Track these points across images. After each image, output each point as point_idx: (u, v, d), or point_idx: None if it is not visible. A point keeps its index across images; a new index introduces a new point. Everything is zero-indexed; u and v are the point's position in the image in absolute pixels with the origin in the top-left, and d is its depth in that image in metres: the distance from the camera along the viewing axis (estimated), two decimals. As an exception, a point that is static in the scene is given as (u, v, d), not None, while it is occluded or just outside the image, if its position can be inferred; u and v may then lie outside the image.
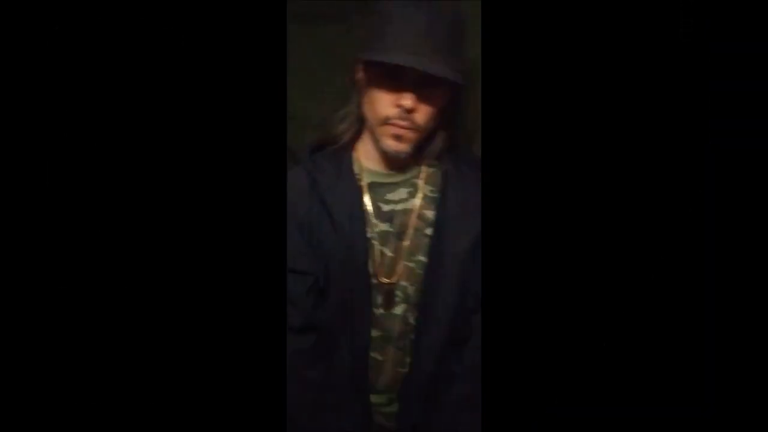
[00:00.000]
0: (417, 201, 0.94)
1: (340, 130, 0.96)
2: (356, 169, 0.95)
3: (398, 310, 0.93)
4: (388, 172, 0.95)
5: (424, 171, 0.95)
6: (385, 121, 0.89)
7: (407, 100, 0.85)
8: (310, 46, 1.23)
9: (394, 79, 0.86)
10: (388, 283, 0.92)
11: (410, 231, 0.93)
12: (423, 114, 0.88)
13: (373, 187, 0.95)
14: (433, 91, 0.87)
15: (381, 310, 0.92)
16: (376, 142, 0.92)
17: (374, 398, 0.94)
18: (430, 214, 0.94)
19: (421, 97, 0.87)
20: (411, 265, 0.93)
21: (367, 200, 0.94)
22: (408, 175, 0.96)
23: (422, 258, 0.92)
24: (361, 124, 0.95)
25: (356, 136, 0.96)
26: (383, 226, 0.93)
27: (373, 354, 0.93)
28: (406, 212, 0.94)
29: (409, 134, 0.89)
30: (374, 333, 0.92)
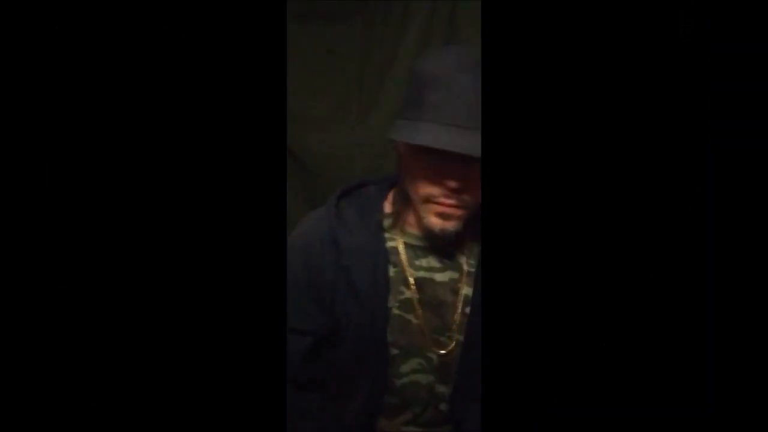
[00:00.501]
0: (453, 274, 0.86)
1: (390, 211, 0.86)
2: (386, 228, 0.86)
3: (443, 276, 0.86)
4: (424, 244, 0.86)
5: (468, 241, 0.86)
6: (429, 200, 0.80)
7: (452, 181, 0.76)
8: (310, 46, 1.23)
9: (438, 156, 0.75)
10: (441, 354, 0.85)
11: (441, 306, 0.86)
12: (473, 192, 0.78)
13: (407, 249, 0.86)
14: (479, 166, 0.75)
15: (403, 379, 0.86)
16: (419, 219, 0.83)
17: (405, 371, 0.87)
18: (465, 289, 0.86)
19: (470, 175, 0.76)
20: (443, 339, 0.86)
21: (394, 268, 0.85)
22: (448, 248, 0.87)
23: (459, 337, 0.85)
24: (404, 199, 0.85)
25: (393, 186, 0.88)
26: (408, 294, 0.85)
27: (408, 316, 0.85)
28: (438, 284, 0.86)
29: (457, 212, 0.80)
30: (410, 295, 0.85)
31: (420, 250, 0.86)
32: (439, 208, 0.79)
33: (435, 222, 0.80)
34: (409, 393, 0.86)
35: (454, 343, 0.84)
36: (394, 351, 0.84)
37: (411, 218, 0.85)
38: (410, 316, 0.85)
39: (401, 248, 0.85)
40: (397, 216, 0.86)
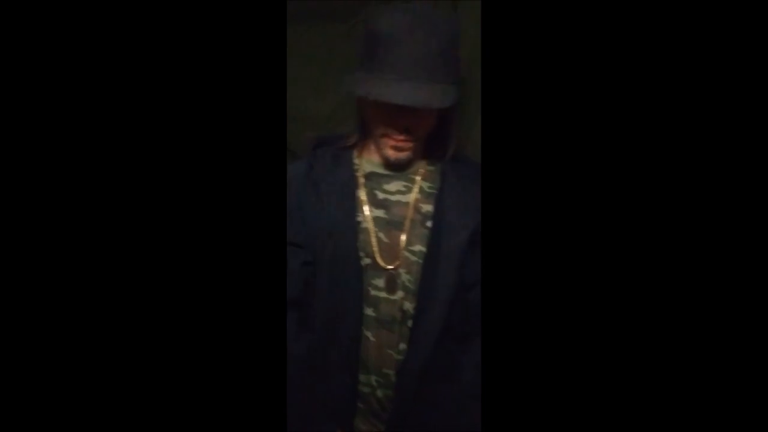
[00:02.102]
0: (413, 195, 0.97)
1: (345, 134, 1.00)
2: (356, 162, 0.99)
3: (396, 296, 0.94)
4: (387, 171, 0.99)
5: (423, 169, 0.99)
6: (384, 134, 0.93)
7: (404, 121, 0.90)
8: (310, 46, 1.23)
9: (391, 105, 0.87)
10: (391, 269, 0.94)
11: (407, 222, 0.95)
12: (421, 128, 0.93)
13: (371, 177, 0.98)
14: (429, 111, 0.91)
15: (382, 293, 0.94)
16: (378, 149, 0.97)
17: (363, 377, 0.95)
18: (428, 207, 0.96)
19: (418, 116, 0.91)
20: (409, 255, 0.94)
21: (361, 188, 0.97)
22: (406, 172, 0.99)
23: (421, 248, 0.94)
24: (363, 131, 0.99)
25: (359, 141, 1.00)
26: (378, 212, 0.96)
27: (366, 333, 0.93)
28: (402, 204, 0.97)
29: (408, 144, 0.94)
30: (367, 312, 0.94)
31: (386, 177, 0.98)
32: (393, 142, 0.93)
33: (391, 153, 0.95)
34: (384, 307, 0.94)
35: (420, 260, 0.94)
36: (366, 260, 0.94)
37: (374, 150, 0.98)
38: (380, 233, 0.96)
39: (364, 175, 0.98)
40: (362, 149, 1.00)
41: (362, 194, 0.97)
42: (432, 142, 0.98)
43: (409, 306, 0.93)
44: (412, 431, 0.93)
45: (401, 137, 0.92)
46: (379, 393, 0.95)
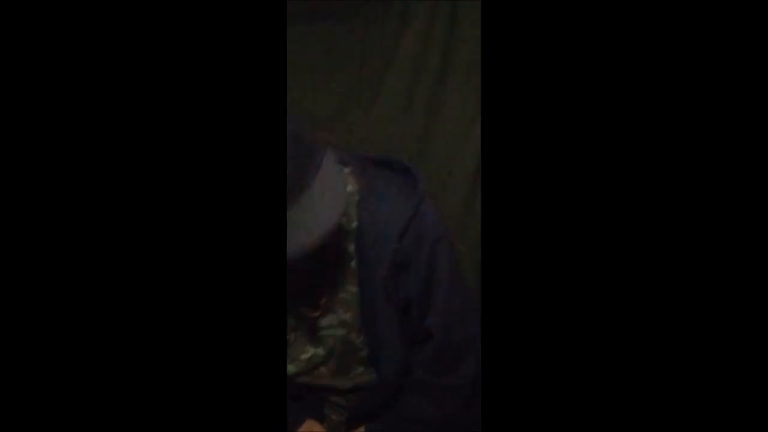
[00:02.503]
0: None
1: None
2: None
3: (335, 332, 0.98)
4: None
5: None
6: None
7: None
8: (310, 46, 1.23)
9: None
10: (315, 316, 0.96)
11: (339, 266, 0.95)
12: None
13: None
14: None
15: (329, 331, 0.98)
16: None
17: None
18: (351, 248, 0.95)
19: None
20: (342, 295, 0.96)
21: None
22: None
23: (352, 288, 0.95)
24: None
25: None
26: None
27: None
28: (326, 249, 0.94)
29: None
30: (313, 351, 0.99)
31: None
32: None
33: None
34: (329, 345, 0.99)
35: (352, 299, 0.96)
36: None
37: None
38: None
39: None
40: None
41: None
42: None
43: (356, 339, 0.97)
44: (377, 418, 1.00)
45: None
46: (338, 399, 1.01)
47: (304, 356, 0.99)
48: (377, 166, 1.00)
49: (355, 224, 0.94)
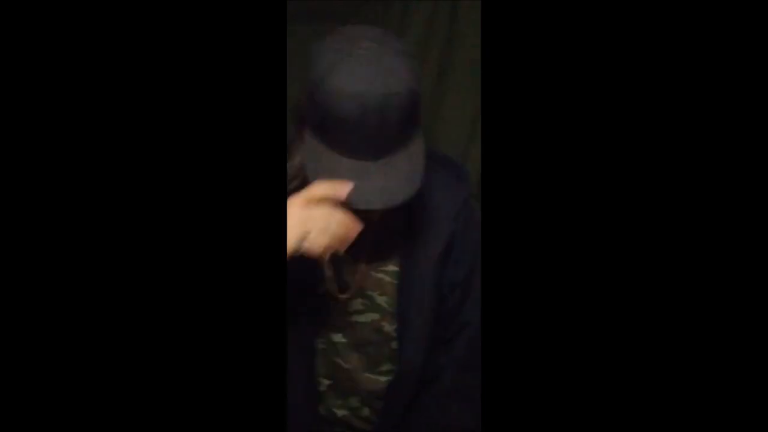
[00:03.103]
0: (372, 315, 0.93)
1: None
2: None
3: (365, 318, 0.92)
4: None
5: (384, 281, 0.93)
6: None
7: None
8: (310, 46, 1.23)
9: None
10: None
11: (367, 345, 0.92)
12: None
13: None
14: None
15: (352, 317, 0.92)
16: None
17: (340, 402, 0.94)
18: (387, 327, 0.92)
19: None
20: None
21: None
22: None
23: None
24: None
25: None
26: None
27: (336, 359, 0.92)
28: (363, 325, 0.92)
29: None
30: (336, 338, 0.92)
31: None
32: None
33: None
34: (353, 333, 0.92)
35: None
36: (325, 383, 0.92)
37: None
38: (338, 357, 0.93)
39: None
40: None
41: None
42: None
43: (389, 327, 0.92)
44: None
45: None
46: (365, 411, 0.94)
47: (321, 346, 0.93)
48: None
49: (393, 307, 0.91)
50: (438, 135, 1.23)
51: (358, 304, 0.92)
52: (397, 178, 0.76)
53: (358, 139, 0.75)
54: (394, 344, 0.91)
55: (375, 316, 0.91)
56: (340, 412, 0.95)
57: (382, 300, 0.91)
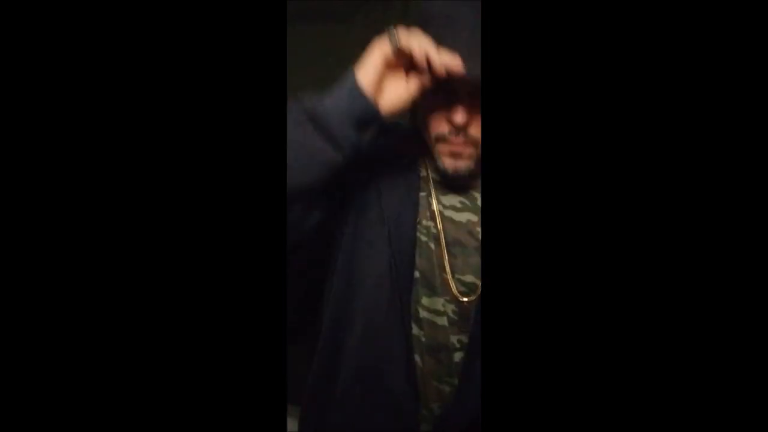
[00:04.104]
0: (468, 215, 0.87)
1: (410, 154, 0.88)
2: (420, 164, 0.89)
3: (443, 321, 0.86)
4: (448, 181, 0.88)
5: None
6: (440, 139, 0.82)
7: (458, 115, 0.78)
8: (310, 46, 1.23)
9: (444, 92, 0.78)
10: (464, 301, 0.85)
11: (458, 246, 0.86)
12: (479, 127, 0.80)
13: (433, 184, 0.87)
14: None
15: (431, 316, 0.86)
16: (434, 160, 0.84)
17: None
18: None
19: (474, 109, 0.79)
20: (457, 284, 0.85)
21: (422, 192, 0.87)
22: (467, 186, 0.88)
23: (474, 280, 0.85)
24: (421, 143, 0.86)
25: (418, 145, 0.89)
26: (428, 224, 0.86)
27: (414, 356, 0.86)
28: (456, 223, 0.86)
29: (468, 150, 0.81)
30: (415, 331, 0.86)
31: (444, 186, 0.87)
32: (449, 148, 0.81)
33: (448, 162, 0.82)
34: (429, 330, 0.86)
35: (476, 294, 0.84)
36: (417, 273, 0.85)
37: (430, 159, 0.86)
38: (433, 245, 0.85)
39: (430, 178, 0.87)
40: (419, 154, 0.88)
41: (421, 200, 0.86)
42: None
43: (454, 339, 0.86)
44: None
45: (459, 140, 0.80)
46: (422, 427, 0.87)
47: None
48: None
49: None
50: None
51: (456, 200, 0.87)
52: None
53: (450, 30, 0.76)
54: (457, 356, 0.85)
55: (473, 217, 0.86)
56: (422, 313, 0.87)
57: (450, 309, 0.85)
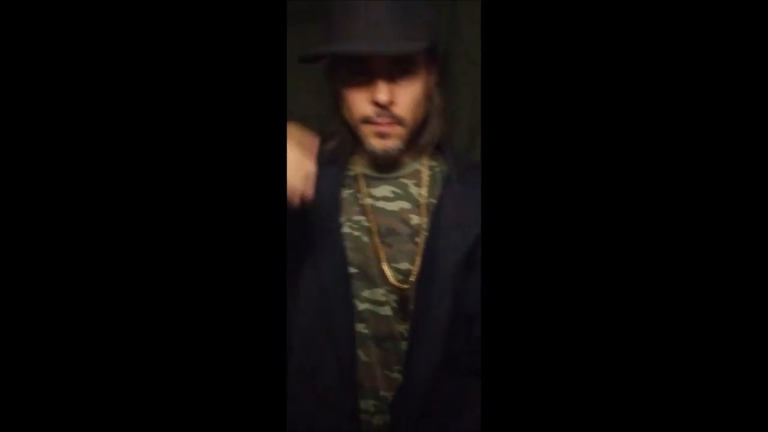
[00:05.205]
0: (400, 203, 0.88)
1: (331, 147, 0.89)
2: (347, 162, 0.90)
3: (386, 311, 0.88)
4: (377, 173, 0.89)
5: (422, 171, 0.90)
6: (365, 121, 0.83)
7: (381, 93, 0.80)
8: (310, 46, 1.23)
9: (364, 74, 0.80)
10: (400, 288, 0.86)
11: (391, 235, 0.87)
12: (404, 106, 0.82)
13: (359, 179, 0.89)
14: (409, 79, 0.81)
15: (373, 307, 0.87)
16: (361, 143, 0.86)
17: (361, 403, 0.88)
18: (417, 219, 0.87)
19: (397, 88, 0.81)
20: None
21: (348, 191, 0.88)
22: (397, 174, 0.89)
23: (408, 267, 0.86)
24: (349, 130, 0.88)
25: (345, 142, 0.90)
26: (359, 218, 0.88)
27: (358, 351, 0.87)
28: (389, 213, 0.88)
29: (395, 130, 0.83)
30: (359, 328, 0.87)
31: (374, 180, 0.88)
32: (375, 128, 0.82)
33: (376, 142, 0.83)
34: (373, 322, 0.87)
35: (401, 276, 0.86)
36: (352, 269, 0.86)
37: (362, 152, 0.87)
38: (366, 238, 0.87)
39: (358, 175, 0.89)
40: (344, 146, 0.89)
41: (348, 197, 0.88)
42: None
43: (401, 328, 0.87)
44: None
45: (384, 120, 0.81)
46: (377, 419, 0.88)
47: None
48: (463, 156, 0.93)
49: (434, 201, 0.87)
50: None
51: (388, 190, 0.88)
52: (400, 40, 0.77)
53: (369, 22, 0.77)
54: (416, 239, 0.86)
55: (406, 205, 0.88)
56: (361, 305, 0.89)
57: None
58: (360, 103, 0.82)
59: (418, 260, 0.86)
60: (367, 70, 0.80)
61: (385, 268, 0.86)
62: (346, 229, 0.88)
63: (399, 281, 0.86)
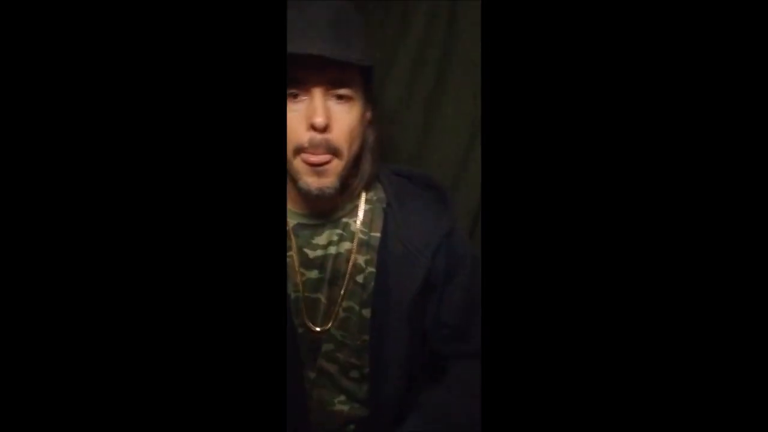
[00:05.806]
0: (347, 244, 0.87)
1: None
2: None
3: (329, 354, 0.89)
4: (314, 216, 0.87)
5: (360, 208, 0.88)
6: (298, 152, 0.78)
7: (318, 116, 0.76)
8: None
9: (302, 95, 0.77)
10: (317, 332, 0.87)
11: (344, 278, 0.87)
12: (339, 133, 0.78)
13: (298, 230, 0.86)
14: (346, 106, 0.78)
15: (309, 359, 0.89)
16: (294, 182, 0.81)
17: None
18: (361, 259, 0.87)
19: (334, 114, 0.78)
20: (343, 314, 0.87)
21: (291, 246, 0.85)
22: (336, 217, 0.87)
23: (353, 305, 0.87)
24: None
25: None
26: (311, 274, 0.86)
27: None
28: (338, 257, 0.87)
29: (330, 164, 0.79)
30: (310, 375, 0.89)
31: (313, 228, 0.86)
32: (310, 159, 0.77)
33: (311, 181, 0.78)
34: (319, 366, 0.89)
35: (356, 318, 0.86)
36: (299, 329, 0.86)
37: (290, 188, 0.83)
38: (318, 295, 0.86)
39: (291, 229, 0.85)
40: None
41: (293, 254, 0.85)
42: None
43: (356, 373, 0.88)
44: None
45: (319, 150, 0.76)
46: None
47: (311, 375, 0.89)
48: (401, 177, 0.92)
49: (378, 235, 0.87)
50: (437, 136, 1.23)
51: (333, 234, 0.86)
52: (348, 47, 0.76)
53: (312, 28, 0.76)
54: (358, 278, 0.86)
55: (349, 245, 0.86)
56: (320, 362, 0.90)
57: (338, 334, 0.87)
58: (296, 129, 0.78)
59: (367, 300, 0.87)
60: (305, 92, 0.78)
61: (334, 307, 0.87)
62: (296, 294, 0.87)
63: (318, 324, 0.87)
